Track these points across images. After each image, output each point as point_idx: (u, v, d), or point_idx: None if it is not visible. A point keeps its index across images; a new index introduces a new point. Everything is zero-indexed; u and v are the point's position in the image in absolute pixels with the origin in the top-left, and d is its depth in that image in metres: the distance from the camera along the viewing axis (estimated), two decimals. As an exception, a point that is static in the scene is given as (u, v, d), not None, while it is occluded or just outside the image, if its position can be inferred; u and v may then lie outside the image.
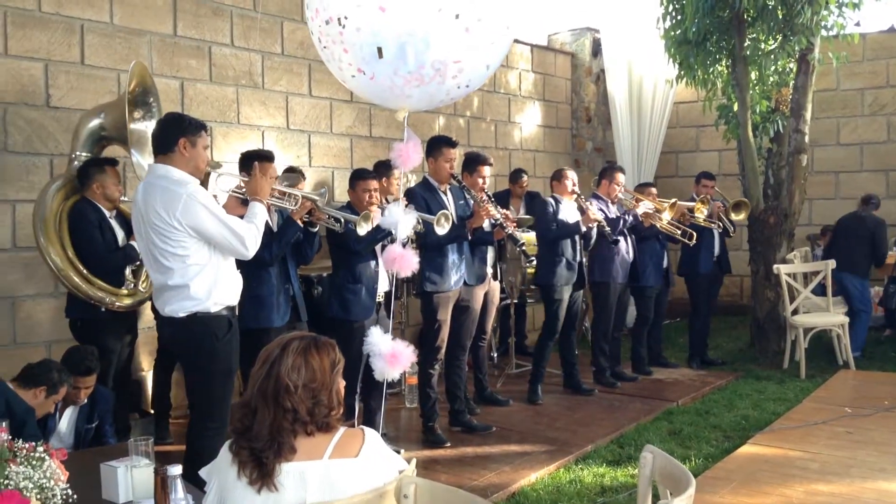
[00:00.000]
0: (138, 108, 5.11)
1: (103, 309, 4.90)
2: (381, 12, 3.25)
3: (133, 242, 4.84)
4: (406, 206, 4.63)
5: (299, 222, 4.69)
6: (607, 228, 6.48)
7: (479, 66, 3.74)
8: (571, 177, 6.49)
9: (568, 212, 6.43)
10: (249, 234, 3.82)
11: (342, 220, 4.84)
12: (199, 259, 3.74)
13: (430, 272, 5.33)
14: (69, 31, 5.54)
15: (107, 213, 5.02)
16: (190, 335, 3.80)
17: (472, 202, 5.53)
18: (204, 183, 4.31)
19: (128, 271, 5.02)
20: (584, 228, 6.33)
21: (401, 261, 4.14)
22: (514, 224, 5.71)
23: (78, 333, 4.99)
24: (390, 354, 3.91)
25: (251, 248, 3.83)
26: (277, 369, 2.15)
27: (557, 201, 6.47)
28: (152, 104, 5.20)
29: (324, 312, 5.28)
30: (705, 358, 7.84)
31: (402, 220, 4.20)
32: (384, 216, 4.65)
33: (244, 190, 4.23)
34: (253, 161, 4.69)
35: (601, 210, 6.74)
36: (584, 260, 6.42)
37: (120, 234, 5.05)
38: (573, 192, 6.44)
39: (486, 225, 5.58)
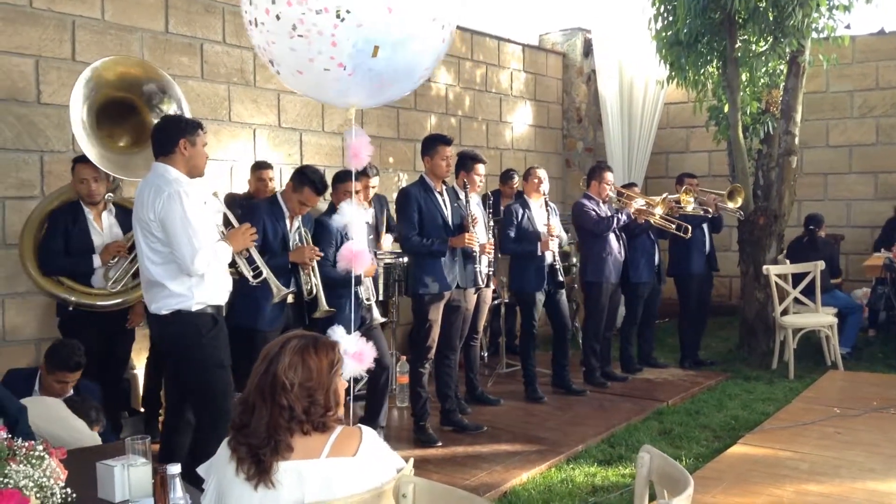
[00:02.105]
0: (150, 104, 5.04)
1: (70, 308, 4.90)
2: (388, 12, 3.26)
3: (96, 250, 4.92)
4: (359, 205, 4.58)
5: (289, 263, 4.85)
6: (567, 246, 6.50)
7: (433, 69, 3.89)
8: (540, 175, 6.50)
9: (536, 213, 6.45)
10: (204, 254, 3.73)
11: (314, 292, 4.89)
12: None
13: (422, 274, 5.34)
14: (61, 27, 5.50)
15: (90, 216, 4.95)
16: (174, 332, 3.85)
17: (464, 211, 5.51)
18: None
19: (112, 273, 4.96)
20: (539, 253, 6.32)
21: (357, 260, 4.11)
22: (491, 249, 5.69)
23: (62, 331, 5.01)
24: (357, 353, 3.91)
25: (197, 269, 3.72)
26: (275, 367, 2.16)
27: (524, 205, 6.47)
28: (155, 94, 5.07)
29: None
30: (696, 359, 7.84)
31: (355, 218, 4.18)
32: (338, 214, 4.61)
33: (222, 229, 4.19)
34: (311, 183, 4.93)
35: (593, 210, 6.77)
36: (557, 263, 6.38)
37: (99, 239, 4.98)
38: (540, 190, 6.45)
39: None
